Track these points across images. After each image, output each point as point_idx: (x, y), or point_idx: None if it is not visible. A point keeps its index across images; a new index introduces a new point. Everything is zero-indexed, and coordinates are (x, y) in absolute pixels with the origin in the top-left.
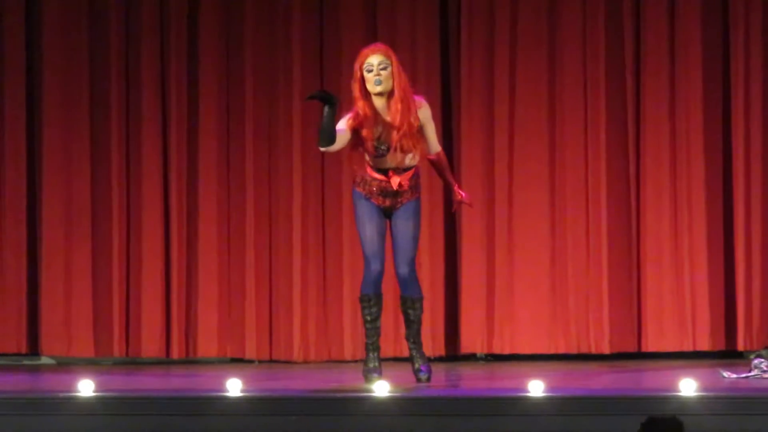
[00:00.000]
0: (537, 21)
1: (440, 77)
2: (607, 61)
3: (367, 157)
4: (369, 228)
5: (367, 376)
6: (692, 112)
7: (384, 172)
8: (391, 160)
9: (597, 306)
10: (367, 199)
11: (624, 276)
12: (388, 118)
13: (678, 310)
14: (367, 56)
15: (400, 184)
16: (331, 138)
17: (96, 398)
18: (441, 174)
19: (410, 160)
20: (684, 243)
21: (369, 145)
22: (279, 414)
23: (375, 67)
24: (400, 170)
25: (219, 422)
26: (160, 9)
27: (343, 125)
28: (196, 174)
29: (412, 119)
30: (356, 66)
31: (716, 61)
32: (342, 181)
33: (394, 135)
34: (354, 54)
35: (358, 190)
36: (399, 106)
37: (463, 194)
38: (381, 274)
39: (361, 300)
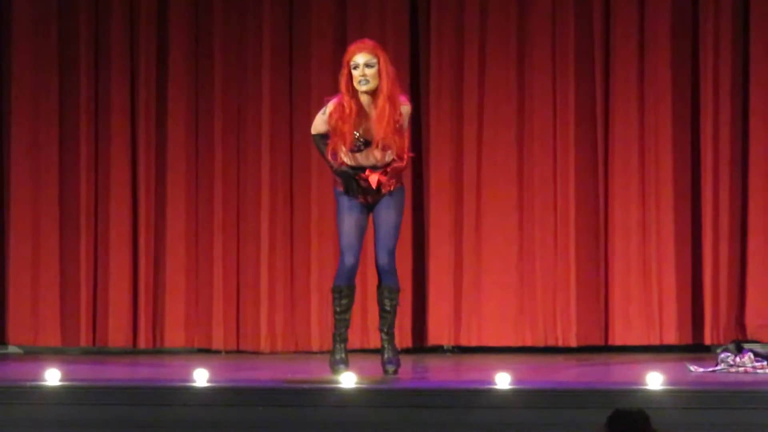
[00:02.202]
0: (506, 15)
1: (409, 72)
2: (577, 57)
3: (343, 156)
4: (348, 221)
5: (334, 367)
6: (661, 107)
7: (361, 170)
8: (368, 157)
9: (564, 299)
10: (349, 197)
11: (591, 269)
12: (373, 115)
13: (645, 303)
14: (354, 53)
15: (379, 182)
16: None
17: (63, 387)
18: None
19: (387, 156)
20: (652, 237)
21: (348, 139)
22: (245, 404)
23: (361, 66)
24: (377, 168)
25: (185, 412)
26: (130, 4)
27: (321, 126)
28: (165, 165)
29: (397, 116)
30: (344, 61)
31: (685, 56)
32: (310, 172)
33: (378, 132)
34: (323, 47)
35: (340, 189)
36: (386, 104)
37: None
38: (355, 267)
39: (333, 291)
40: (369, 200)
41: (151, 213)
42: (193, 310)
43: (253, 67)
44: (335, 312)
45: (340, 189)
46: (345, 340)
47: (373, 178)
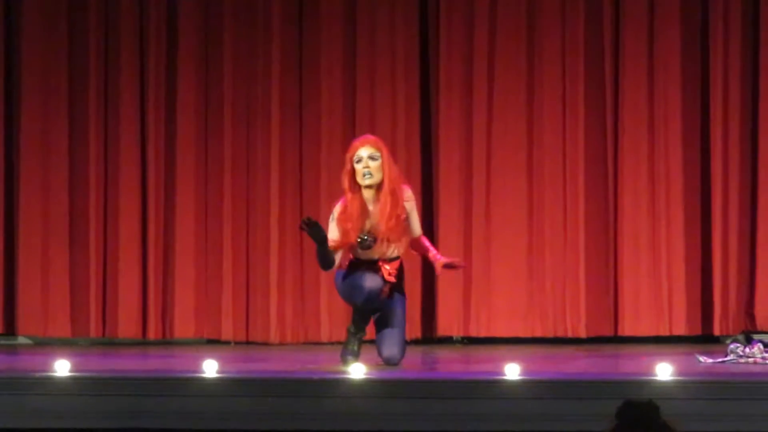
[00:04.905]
0: (516, 11)
1: (419, 65)
2: (586, 49)
3: (354, 253)
4: (355, 273)
5: (345, 357)
6: (671, 98)
7: (372, 263)
8: (377, 252)
9: (574, 290)
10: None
11: (601, 260)
12: (376, 210)
13: (655, 294)
14: (357, 148)
15: (389, 274)
16: (330, 265)
17: (72, 378)
18: (423, 253)
19: (395, 251)
20: (661, 227)
21: (353, 237)
22: (255, 395)
23: (364, 159)
24: (387, 260)
25: (195, 403)
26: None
27: (333, 227)
28: (174, 154)
29: (399, 211)
30: (347, 157)
31: (695, 48)
32: (320, 163)
33: (382, 227)
34: (333, 55)
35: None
36: (388, 198)
37: (443, 260)
38: (374, 290)
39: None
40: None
41: (160, 203)
42: (202, 300)
43: (263, 62)
44: (355, 316)
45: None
46: (361, 335)
47: (386, 269)
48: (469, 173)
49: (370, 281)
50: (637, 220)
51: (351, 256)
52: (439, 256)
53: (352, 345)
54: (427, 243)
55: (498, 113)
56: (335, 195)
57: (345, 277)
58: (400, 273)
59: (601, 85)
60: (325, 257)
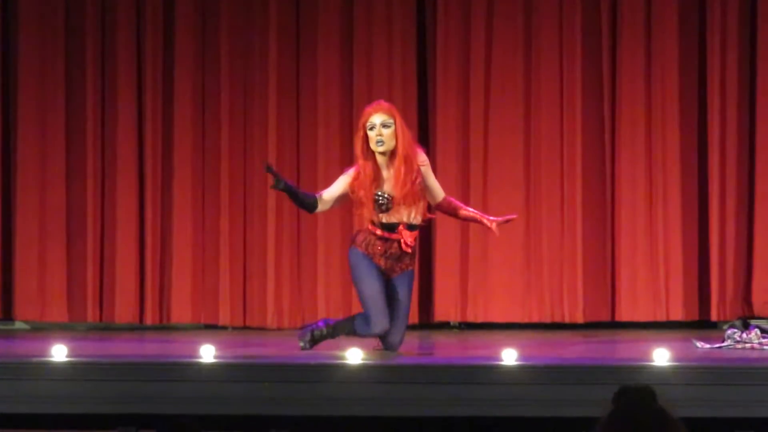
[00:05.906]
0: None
1: (416, 50)
2: (584, 33)
3: (374, 217)
4: (370, 285)
5: (304, 339)
6: (668, 82)
7: (392, 227)
8: (396, 214)
9: (571, 275)
10: (369, 259)
11: (598, 246)
12: (390, 176)
13: (652, 280)
14: (370, 115)
15: (406, 244)
16: (309, 207)
17: (69, 363)
18: (459, 214)
19: (414, 217)
20: (658, 213)
21: (369, 204)
22: (252, 380)
23: (377, 126)
24: (407, 227)
25: (192, 388)
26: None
27: (341, 185)
28: (171, 140)
29: (414, 176)
30: (359, 123)
31: (692, 30)
32: (317, 147)
33: (397, 193)
34: (330, 48)
35: (360, 250)
36: (402, 164)
37: (492, 219)
38: (380, 334)
39: (353, 333)
40: (388, 265)
41: (157, 189)
42: (199, 286)
43: (260, 50)
44: (344, 324)
45: (361, 250)
46: (333, 338)
47: (405, 234)
48: (466, 158)
49: (380, 326)
50: (635, 205)
51: (368, 224)
52: (486, 217)
53: (317, 336)
54: (458, 203)
55: (495, 98)
56: (333, 177)
57: (362, 261)
58: (416, 244)
59: (599, 73)
60: (297, 203)
